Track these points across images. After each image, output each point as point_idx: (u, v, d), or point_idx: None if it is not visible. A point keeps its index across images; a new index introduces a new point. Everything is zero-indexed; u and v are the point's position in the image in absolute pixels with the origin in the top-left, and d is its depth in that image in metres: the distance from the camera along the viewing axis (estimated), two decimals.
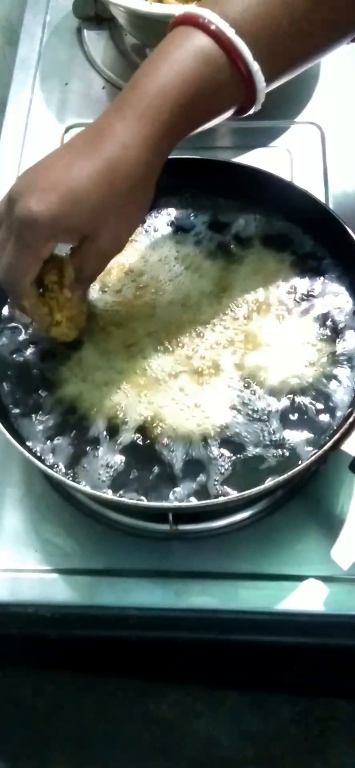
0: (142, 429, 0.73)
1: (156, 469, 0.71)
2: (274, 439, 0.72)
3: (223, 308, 0.80)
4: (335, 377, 0.75)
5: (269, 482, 0.69)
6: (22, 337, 0.79)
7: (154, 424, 0.73)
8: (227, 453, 0.71)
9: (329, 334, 0.78)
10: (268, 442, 0.72)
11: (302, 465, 0.69)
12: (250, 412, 0.73)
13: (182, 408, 0.73)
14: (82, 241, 0.70)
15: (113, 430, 0.73)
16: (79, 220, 0.68)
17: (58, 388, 0.75)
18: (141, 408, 0.73)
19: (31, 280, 0.70)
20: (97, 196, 0.67)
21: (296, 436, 0.72)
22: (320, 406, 0.74)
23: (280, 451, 0.71)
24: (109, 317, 0.80)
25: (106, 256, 0.72)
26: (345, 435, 0.69)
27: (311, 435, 0.72)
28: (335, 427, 0.72)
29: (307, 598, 0.71)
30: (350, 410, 0.72)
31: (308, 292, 0.81)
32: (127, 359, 0.76)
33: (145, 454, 0.71)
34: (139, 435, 0.72)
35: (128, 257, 0.84)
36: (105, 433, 0.73)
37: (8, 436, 0.70)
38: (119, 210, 0.69)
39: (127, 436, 0.72)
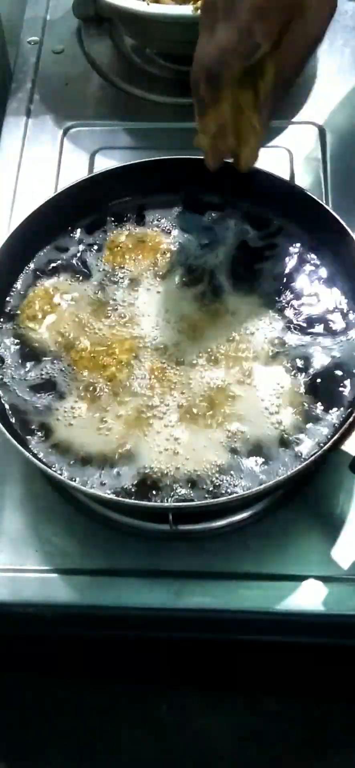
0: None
1: None
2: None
3: (223, 310, 0.80)
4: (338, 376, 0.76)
5: (269, 482, 0.69)
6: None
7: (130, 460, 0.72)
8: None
9: (330, 333, 0.78)
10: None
11: (302, 465, 0.70)
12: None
13: (165, 449, 0.72)
14: (283, 33, 0.70)
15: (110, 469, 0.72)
16: None
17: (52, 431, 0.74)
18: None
19: (242, 66, 0.71)
20: None
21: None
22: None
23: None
24: (94, 348, 0.79)
25: (308, 46, 0.73)
26: (345, 435, 0.69)
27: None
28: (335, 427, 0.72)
29: (307, 598, 0.71)
30: (350, 410, 0.72)
31: (308, 293, 0.81)
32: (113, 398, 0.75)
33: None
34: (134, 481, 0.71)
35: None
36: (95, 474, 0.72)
37: (8, 436, 0.70)
38: None
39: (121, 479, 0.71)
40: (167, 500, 0.69)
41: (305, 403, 0.74)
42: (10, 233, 0.83)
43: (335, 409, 0.73)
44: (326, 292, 0.81)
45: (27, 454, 0.70)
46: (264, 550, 0.73)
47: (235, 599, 0.71)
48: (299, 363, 0.76)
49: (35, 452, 0.72)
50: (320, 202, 0.84)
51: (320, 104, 1.04)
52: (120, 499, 0.70)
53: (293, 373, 0.76)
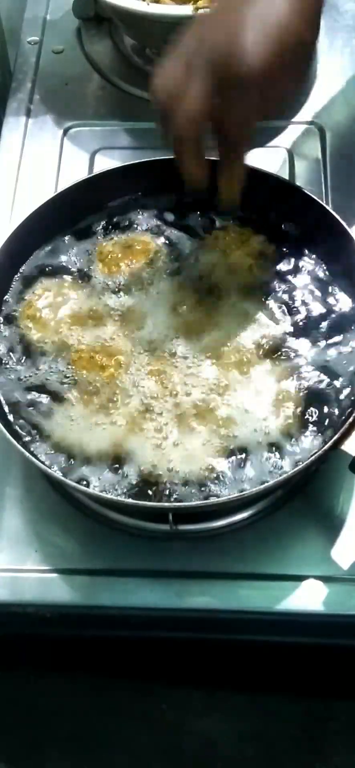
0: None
1: None
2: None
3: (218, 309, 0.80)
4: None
5: (269, 482, 0.69)
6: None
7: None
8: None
9: (329, 333, 0.78)
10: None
11: (302, 465, 0.70)
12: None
13: (165, 449, 0.72)
14: None
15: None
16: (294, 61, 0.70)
17: (51, 436, 0.74)
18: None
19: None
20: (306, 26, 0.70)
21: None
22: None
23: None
24: (93, 348, 0.79)
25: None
26: (345, 435, 0.69)
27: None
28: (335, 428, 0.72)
29: (307, 598, 0.71)
30: (350, 410, 0.72)
31: (308, 294, 0.81)
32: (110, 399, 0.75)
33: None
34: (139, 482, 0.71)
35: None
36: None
37: (8, 436, 0.70)
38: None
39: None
40: (167, 500, 0.69)
41: (305, 403, 0.74)
42: (10, 233, 0.83)
43: (334, 409, 0.73)
44: (326, 292, 0.81)
45: (27, 454, 0.70)
46: (264, 550, 0.73)
47: (235, 599, 0.72)
48: (298, 363, 0.76)
49: (35, 452, 0.72)
50: (320, 202, 0.84)
51: (320, 104, 1.04)
52: (120, 499, 0.70)
53: (292, 373, 0.76)
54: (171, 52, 0.72)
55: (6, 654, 0.77)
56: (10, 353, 0.79)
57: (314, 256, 0.83)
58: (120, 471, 0.71)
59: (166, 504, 0.70)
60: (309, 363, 0.76)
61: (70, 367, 0.77)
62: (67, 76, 1.10)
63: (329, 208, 0.83)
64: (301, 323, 0.79)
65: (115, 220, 0.88)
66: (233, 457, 0.71)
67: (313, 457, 0.70)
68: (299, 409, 0.73)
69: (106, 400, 0.75)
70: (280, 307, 0.80)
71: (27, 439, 0.73)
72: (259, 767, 0.82)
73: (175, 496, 0.69)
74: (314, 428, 0.72)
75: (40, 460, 0.71)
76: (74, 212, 0.87)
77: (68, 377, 0.77)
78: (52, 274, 0.84)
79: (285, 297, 0.81)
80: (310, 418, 0.73)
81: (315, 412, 0.73)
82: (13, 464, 0.78)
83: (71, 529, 0.75)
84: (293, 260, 0.83)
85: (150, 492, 0.70)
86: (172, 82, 0.71)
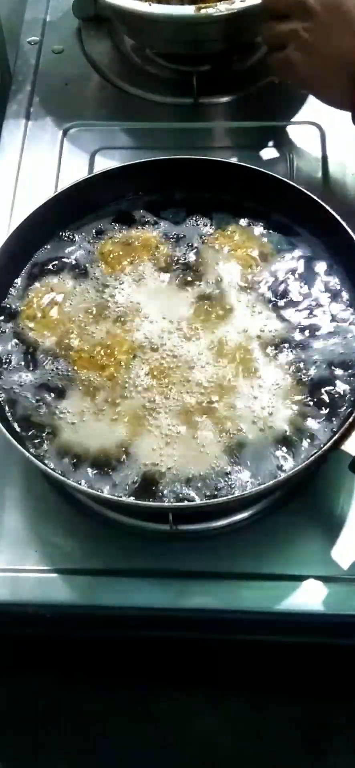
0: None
1: None
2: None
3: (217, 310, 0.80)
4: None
5: (269, 482, 0.69)
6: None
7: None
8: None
9: (329, 332, 0.78)
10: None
11: (302, 465, 0.70)
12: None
13: (164, 449, 0.72)
14: None
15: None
16: None
17: (54, 436, 0.74)
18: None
19: None
20: None
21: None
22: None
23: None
24: (93, 348, 0.79)
25: None
26: (345, 435, 0.69)
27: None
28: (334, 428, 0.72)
29: (307, 598, 0.71)
30: (350, 410, 0.72)
31: (308, 292, 0.81)
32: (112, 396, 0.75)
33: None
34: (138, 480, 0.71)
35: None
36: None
37: (8, 436, 0.70)
38: None
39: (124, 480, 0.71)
40: (167, 500, 0.69)
41: (305, 403, 0.74)
42: (10, 233, 0.83)
43: (334, 408, 0.74)
44: (326, 291, 0.81)
45: (27, 454, 0.70)
46: (264, 550, 0.73)
47: (235, 599, 0.71)
48: (299, 362, 0.76)
49: (35, 452, 0.72)
50: (321, 203, 0.84)
51: (320, 104, 1.03)
52: (120, 499, 0.70)
53: (292, 372, 0.76)
54: None
55: (6, 654, 0.77)
56: (11, 352, 0.79)
57: (314, 254, 0.84)
58: (121, 471, 0.71)
59: (167, 504, 0.70)
60: (312, 358, 0.76)
61: (70, 366, 0.77)
62: (67, 76, 1.10)
63: (328, 207, 0.83)
64: (302, 320, 0.79)
65: (115, 219, 0.88)
66: (236, 455, 0.71)
67: (313, 457, 0.70)
68: (303, 404, 0.74)
69: (107, 399, 0.75)
70: (281, 305, 0.80)
71: (27, 439, 0.73)
72: (259, 767, 0.82)
73: (175, 495, 0.70)
74: (321, 420, 0.73)
75: (40, 460, 0.71)
76: (74, 212, 0.87)
77: (69, 377, 0.77)
78: (52, 273, 0.84)
79: (286, 295, 0.81)
80: (315, 412, 0.73)
81: (321, 405, 0.74)
82: (13, 464, 0.78)
83: (71, 529, 0.75)
84: (293, 259, 0.84)
85: (150, 492, 0.70)
86: None
